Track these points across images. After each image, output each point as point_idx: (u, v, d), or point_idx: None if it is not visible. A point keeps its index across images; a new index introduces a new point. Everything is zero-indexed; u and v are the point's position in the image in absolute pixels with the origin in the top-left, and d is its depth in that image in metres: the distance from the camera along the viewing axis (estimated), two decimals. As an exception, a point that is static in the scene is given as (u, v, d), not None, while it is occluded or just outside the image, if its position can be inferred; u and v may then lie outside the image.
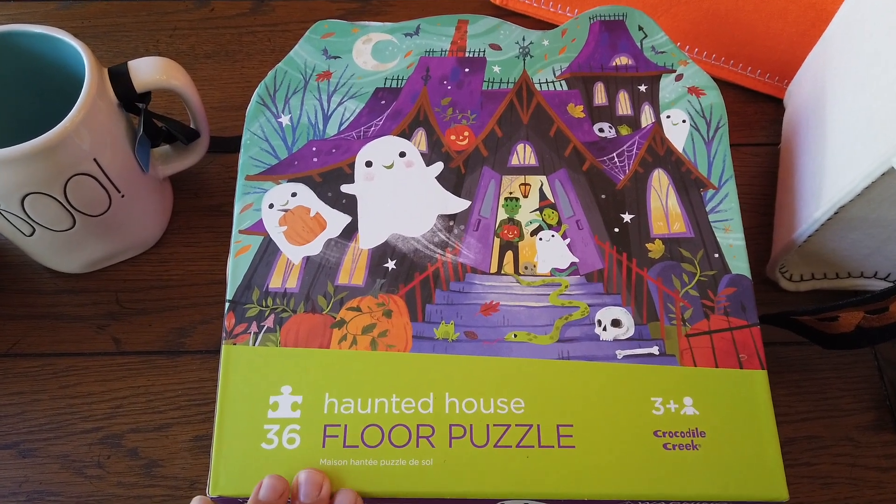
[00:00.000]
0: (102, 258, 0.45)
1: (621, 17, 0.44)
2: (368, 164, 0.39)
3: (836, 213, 0.36)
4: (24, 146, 0.35)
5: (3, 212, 0.39)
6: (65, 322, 0.45)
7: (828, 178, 0.38)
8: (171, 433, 0.41)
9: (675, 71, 0.42)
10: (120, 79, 0.39)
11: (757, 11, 0.48)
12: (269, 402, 0.33)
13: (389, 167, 0.39)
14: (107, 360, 0.43)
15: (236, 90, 0.53)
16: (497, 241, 0.37)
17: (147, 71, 0.40)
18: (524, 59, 0.43)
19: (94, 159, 0.38)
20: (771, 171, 0.49)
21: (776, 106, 0.52)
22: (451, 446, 0.32)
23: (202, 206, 0.48)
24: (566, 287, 0.36)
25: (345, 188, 0.38)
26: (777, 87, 0.52)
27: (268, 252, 0.36)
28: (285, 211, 0.38)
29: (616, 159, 0.40)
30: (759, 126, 0.51)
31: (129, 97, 0.40)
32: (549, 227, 0.37)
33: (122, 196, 0.42)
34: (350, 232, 0.37)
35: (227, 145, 0.50)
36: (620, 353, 0.34)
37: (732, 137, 0.51)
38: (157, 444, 0.41)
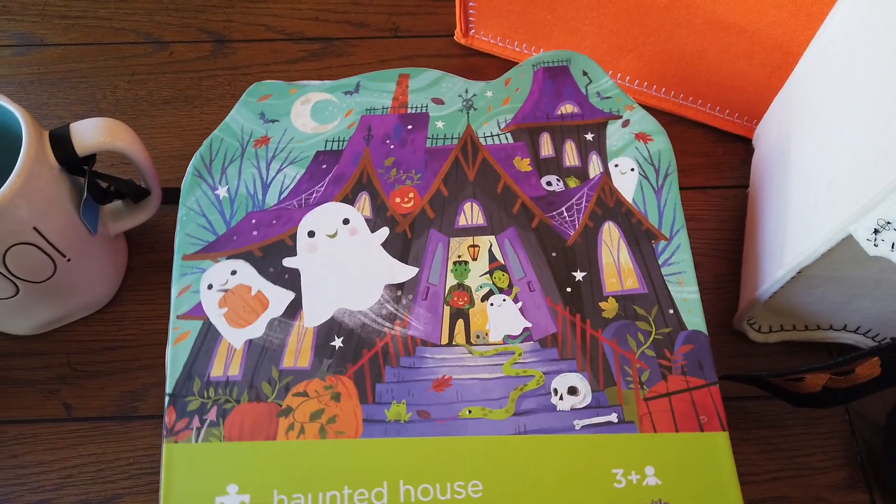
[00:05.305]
0: (52, 321, 0.44)
1: (565, 63, 0.43)
2: (311, 234, 0.38)
3: (798, 273, 0.35)
4: None
5: None
6: (15, 387, 0.43)
7: (789, 238, 0.37)
8: (121, 504, 0.39)
9: (621, 117, 0.42)
10: (61, 142, 0.38)
11: (723, 52, 0.46)
12: None
13: (333, 236, 0.38)
14: (57, 426, 0.42)
15: (195, 137, 0.52)
16: (447, 310, 0.36)
17: (90, 134, 0.38)
18: (468, 113, 0.42)
19: (35, 228, 0.37)
20: (741, 214, 0.48)
21: (746, 146, 0.51)
22: (407, 537, 0.30)
23: (158, 260, 0.47)
24: (520, 355, 0.35)
25: (287, 262, 0.37)
26: (746, 127, 0.51)
27: (208, 337, 0.35)
28: (225, 291, 0.36)
29: (565, 213, 0.39)
30: (728, 167, 0.50)
31: (71, 161, 0.38)
32: (500, 290, 0.36)
33: (69, 260, 0.40)
34: (294, 309, 0.36)
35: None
36: (578, 424, 0.33)
37: (701, 179, 0.50)
38: (106, 518, 0.39)
